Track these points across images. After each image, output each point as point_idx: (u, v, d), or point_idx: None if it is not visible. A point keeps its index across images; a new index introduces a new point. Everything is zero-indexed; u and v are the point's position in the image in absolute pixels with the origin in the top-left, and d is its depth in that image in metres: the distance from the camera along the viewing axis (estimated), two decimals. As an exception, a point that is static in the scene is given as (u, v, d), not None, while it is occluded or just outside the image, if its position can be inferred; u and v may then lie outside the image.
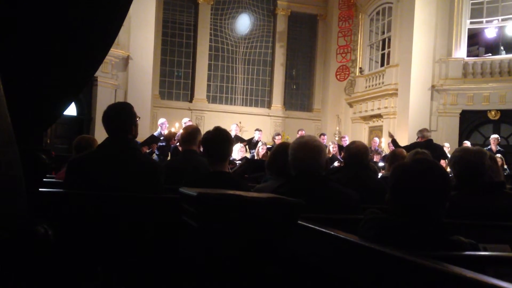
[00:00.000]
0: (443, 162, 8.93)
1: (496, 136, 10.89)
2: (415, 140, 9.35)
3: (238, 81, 17.60)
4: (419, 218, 1.65)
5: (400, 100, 13.94)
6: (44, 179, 2.42)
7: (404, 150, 4.97)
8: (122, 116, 2.74)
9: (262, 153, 8.50)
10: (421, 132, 9.00)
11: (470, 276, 1.10)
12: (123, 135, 2.71)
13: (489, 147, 10.36)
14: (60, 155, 9.07)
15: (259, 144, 8.94)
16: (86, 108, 13.18)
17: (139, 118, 2.96)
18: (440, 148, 9.11)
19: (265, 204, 1.73)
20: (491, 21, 13.51)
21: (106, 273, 2.32)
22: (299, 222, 1.85)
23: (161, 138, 8.95)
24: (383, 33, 15.72)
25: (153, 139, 8.75)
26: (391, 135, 10.29)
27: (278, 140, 10.81)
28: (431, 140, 9.02)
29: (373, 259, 1.47)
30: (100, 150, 2.80)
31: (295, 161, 2.58)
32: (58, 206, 2.35)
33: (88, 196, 2.46)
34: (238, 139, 9.93)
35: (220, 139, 2.86)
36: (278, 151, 3.13)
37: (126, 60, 13.73)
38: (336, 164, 9.65)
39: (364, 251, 1.52)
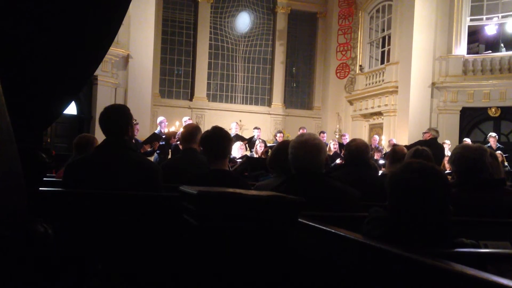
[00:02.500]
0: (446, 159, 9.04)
1: (494, 134, 10.90)
2: (417, 139, 9.50)
3: (238, 79, 17.59)
4: (419, 223, 1.64)
5: (400, 97, 13.93)
6: (44, 178, 2.42)
7: (404, 148, 4.97)
8: (118, 117, 2.76)
9: (261, 150, 8.49)
10: (432, 130, 9.27)
11: (471, 273, 1.10)
12: (119, 137, 2.73)
13: (489, 144, 10.36)
14: (60, 154, 9.08)
15: (257, 142, 8.93)
16: (86, 107, 13.18)
17: (135, 120, 2.98)
18: (440, 149, 9.13)
19: (265, 202, 1.73)
20: (491, 18, 13.50)
21: (107, 271, 2.32)
22: (300, 220, 1.84)
23: (163, 136, 8.96)
24: (383, 30, 15.70)
25: (154, 137, 8.76)
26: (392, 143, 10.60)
27: (279, 137, 10.81)
28: (435, 138, 9.06)
29: (374, 257, 1.47)
30: (97, 152, 2.83)
31: (295, 159, 2.58)
32: (58, 205, 2.35)
33: (88, 195, 2.46)
34: (239, 137, 9.92)
35: (219, 138, 2.87)
36: (280, 149, 3.13)
37: (126, 59, 13.71)
38: (337, 161, 9.66)
39: (366, 249, 1.51)
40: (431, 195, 1.64)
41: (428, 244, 1.58)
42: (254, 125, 12.39)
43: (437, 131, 9.54)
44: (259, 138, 9.72)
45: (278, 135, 11.13)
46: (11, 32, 1.29)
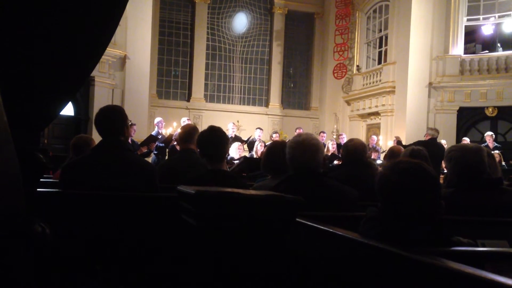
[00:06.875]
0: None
1: (490, 133, 10.93)
2: (415, 139, 9.49)
3: (236, 80, 17.59)
4: (409, 222, 1.63)
5: (398, 97, 13.95)
6: (41, 179, 2.41)
7: (401, 148, 4.98)
8: (113, 118, 2.76)
9: (261, 151, 8.48)
10: (430, 129, 9.29)
11: (469, 271, 1.10)
12: (115, 137, 2.73)
13: (485, 144, 10.39)
14: (58, 155, 9.06)
15: (257, 142, 8.93)
16: (83, 108, 13.16)
17: (130, 121, 2.97)
18: (440, 148, 9.12)
19: (263, 202, 1.73)
20: (487, 18, 13.54)
21: (105, 272, 2.31)
22: (298, 219, 1.85)
23: (159, 137, 8.96)
24: (380, 30, 15.74)
25: (151, 139, 8.77)
26: (397, 139, 10.59)
27: (275, 138, 10.80)
28: (434, 139, 9.07)
29: (372, 257, 1.47)
30: (93, 153, 2.82)
31: (293, 160, 2.58)
32: (55, 205, 2.35)
33: (85, 195, 2.46)
34: (237, 139, 9.90)
35: (215, 139, 2.87)
36: (272, 150, 3.13)
37: (123, 60, 13.69)
38: (335, 162, 9.65)
39: (363, 248, 1.51)
40: (418, 193, 1.63)
41: (422, 243, 1.58)
42: (251, 125, 12.41)
43: (436, 130, 9.50)
44: (260, 139, 9.72)
45: (274, 135, 11.12)
46: (8, 32, 1.29)
